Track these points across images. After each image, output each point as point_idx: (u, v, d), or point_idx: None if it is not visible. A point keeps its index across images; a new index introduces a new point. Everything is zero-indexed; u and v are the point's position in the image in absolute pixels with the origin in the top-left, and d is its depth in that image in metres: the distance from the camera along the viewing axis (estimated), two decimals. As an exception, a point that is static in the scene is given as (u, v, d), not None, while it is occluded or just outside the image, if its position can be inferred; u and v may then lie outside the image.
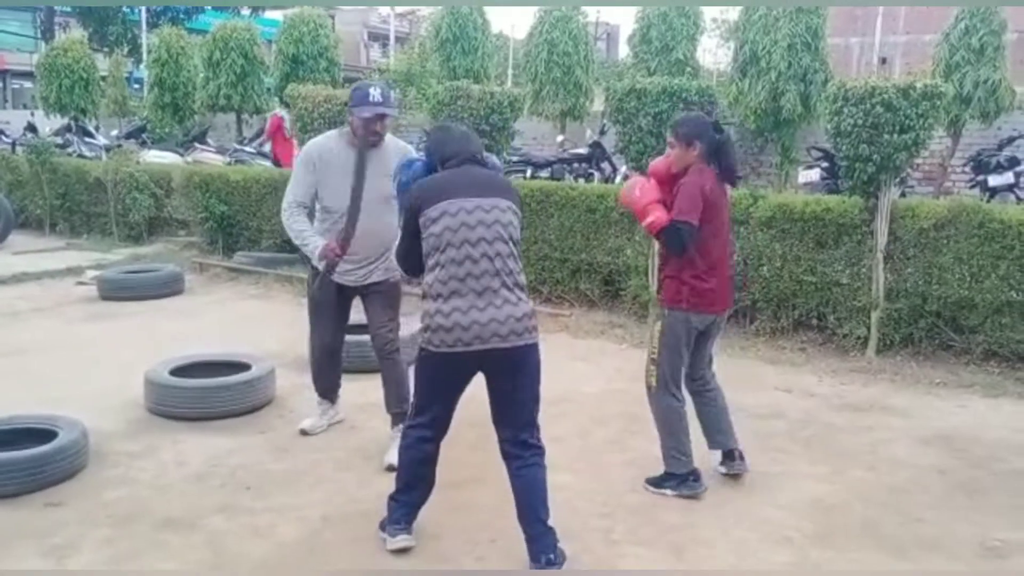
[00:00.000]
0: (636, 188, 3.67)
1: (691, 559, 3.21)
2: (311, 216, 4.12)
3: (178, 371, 4.75)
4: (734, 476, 3.85)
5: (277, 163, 11.63)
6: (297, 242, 4.05)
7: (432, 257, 2.96)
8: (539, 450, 3.09)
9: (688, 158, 3.62)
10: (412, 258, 3.08)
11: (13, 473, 3.58)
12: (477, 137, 3.30)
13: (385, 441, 4.08)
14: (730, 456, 3.87)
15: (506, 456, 3.09)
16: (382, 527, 3.24)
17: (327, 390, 4.41)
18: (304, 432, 4.28)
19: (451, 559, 3.17)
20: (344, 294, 4.15)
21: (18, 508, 3.50)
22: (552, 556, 2.98)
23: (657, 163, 3.80)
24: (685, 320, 3.63)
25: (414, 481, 3.18)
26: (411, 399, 3.26)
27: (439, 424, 3.15)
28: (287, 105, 12.75)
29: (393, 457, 3.69)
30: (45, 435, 3.85)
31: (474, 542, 3.29)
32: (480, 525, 3.42)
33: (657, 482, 3.76)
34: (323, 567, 3.12)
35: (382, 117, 3.86)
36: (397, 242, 3.18)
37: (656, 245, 6.62)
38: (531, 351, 3.00)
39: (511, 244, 2.99)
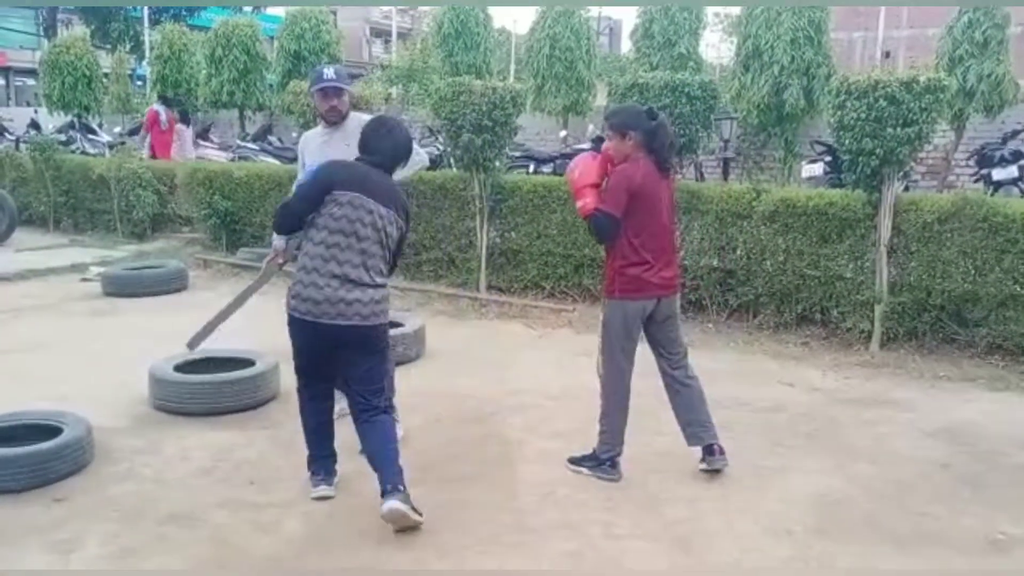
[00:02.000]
0: (577, 167, 3.72)
1: (694, 552, 3.22)
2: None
3: (182, 367, 4.76)
4: (715, 472, 3.80)
5: (154, 156, 12.06)
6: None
7: (315, 231, 3.35)
8: (382, 407, 3.48)
9: (625, 148, 3.64)
10: (293, 220, 3.49)
11: (19, 469, 3.60)
12: (406, 148, 3.64)
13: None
14: (709, 451, 3.81)
15: (352, 408, 3.52)
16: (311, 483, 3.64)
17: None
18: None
19: (451, 554, 3.17)
20: None
21: (24, 504, 3.51)
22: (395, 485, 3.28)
23: (583, 159, 3.86)
24: (621, 308, 3.69)
25: (318, 434, 3.65)
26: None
27: (315, 385, 3.56)
28: (164, 100, 12.99)
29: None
30: (50, 431, 3.86)
31: (476, 537, 3.29)
32: (480, 520, 3.42)
33: (578, 460, 3.87)
34: (328, 562, 3.13)
35: (338, 92, 4.12)
36: (288, 198, 3.64)
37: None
38: (362, 332, 3.36)
39: (384, 249, 3.40)
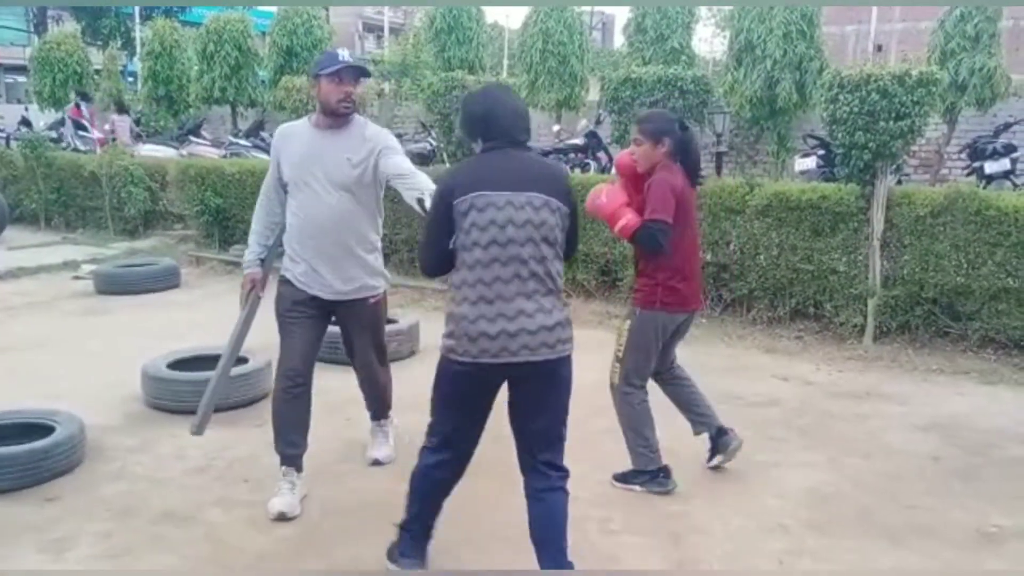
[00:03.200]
0: (602, 194, 3.56)
1: (688, 547, 3.23)
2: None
3: (175, 365, 4.75)
4: (732, 455, 3.83)
5: (77, 150, 12.50)
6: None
7: (460, 254, 2.62)
8: (562, 475, 2.78)
9: (655, 156, 3.54)
10: (436, 252, 2.69)
11: (11, 468, 3.58)
12: (527, 111, 2.82)
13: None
14: (722, 432, 3.83)
15: (525, 471, 2.81)
16: (391, 557, 2.96)
17: (292, 451, 3.54)
18: (283, 516, 3.38)
19: (450, 551, 3.17)
20: (321, 310, 3.55)
21: (16, 503, 3.50)
22: None
23: (624, 156, 3.72)
24: (657, 320, 3.58)
25: (427, 510, 2.89)
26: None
27: (457, 447, 2.81)
28: (83, 96, 13.10)
29: (378, 451, 3.91)
30: (43, 430, 3.84)
31: (472, 533, 3.29)
32: (479, 516, 3.42)
33: (624, 478, 3.71)
34: (321, 560, 3.13)
35: (356, 76, 3.38)
36: (422, 233, 2.80)
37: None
38: (558, 366, 2.67)
39: (544, 246, 2.63)
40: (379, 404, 3.97)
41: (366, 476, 3.71)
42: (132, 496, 3.60)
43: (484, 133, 2.70)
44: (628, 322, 3.64)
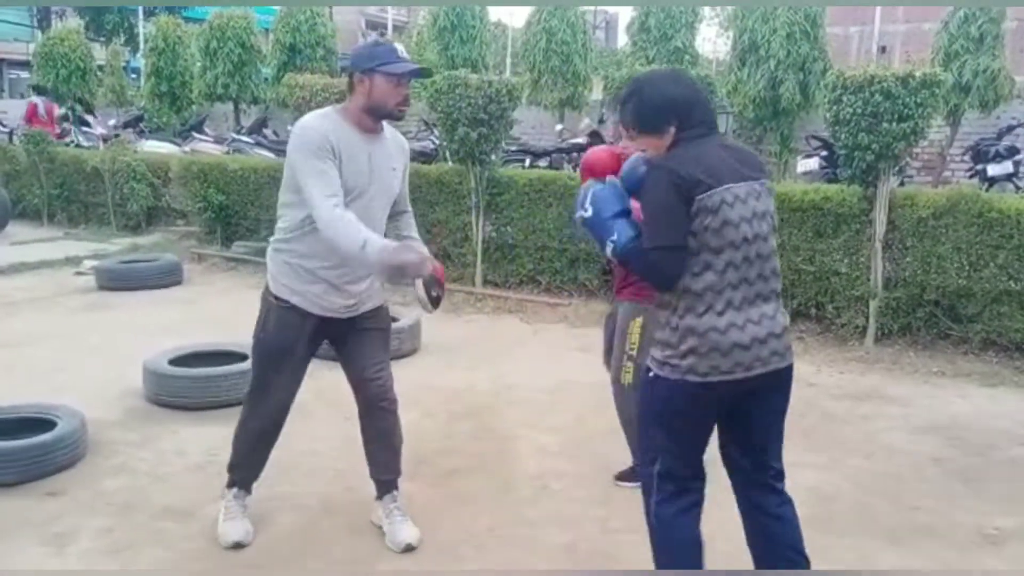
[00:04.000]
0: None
1: (689, 547, 3.22)
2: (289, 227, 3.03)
3: (177, 361, 4.75)
4: None
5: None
6: (356, 249, 2.72)
7: (700, 257, 2.28)
8: (785, 480, 2.58)
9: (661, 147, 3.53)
10: (677, 260, 2.29)
11: (13, 462, 3.59)
12: (707, 94, 2.55)
13: None
14: None
15: (751, 488, 2.54)
16: None
17: (250, 476, 3.31)
18: (239, 544, 3.15)
19: (448, 549, 3.18)
20: (320, 333, 3.09)
21: (18, 497, 3.51)
22: None
23: (596, 155, 3.60)
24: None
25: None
26: (651, 464, 2.48)
27: (701, 476, 2.48)
28: (40, 91, 13.16)
29: (409, 535, 3.15)
30: (44, 425, 3.85)
31: (472, 531, 3.30)
32: (478, 514, 3.43)
33: (630, 475, 3.63)
34: (321, 556, 3.13)
35: (416, 75, 2.99)
36: (623, 237, 2.36)
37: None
38: (792, 371, 2.47)
39: (774, 238, 2.39)
40: (393, 462, 3.28)
41: (365, 475, 3.70)
42: (133, 491, 3.60)
43: (685, 118, 2.35)
44: (638, 320, 3.57)
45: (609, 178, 2.50)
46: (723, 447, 2.55)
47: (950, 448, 4.22)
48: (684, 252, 2.29)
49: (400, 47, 2.94)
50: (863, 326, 5.87)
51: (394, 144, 3.08)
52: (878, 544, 3.27)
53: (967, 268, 5.53)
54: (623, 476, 3.73)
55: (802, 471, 3.90)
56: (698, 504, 2.47)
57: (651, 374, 2.41)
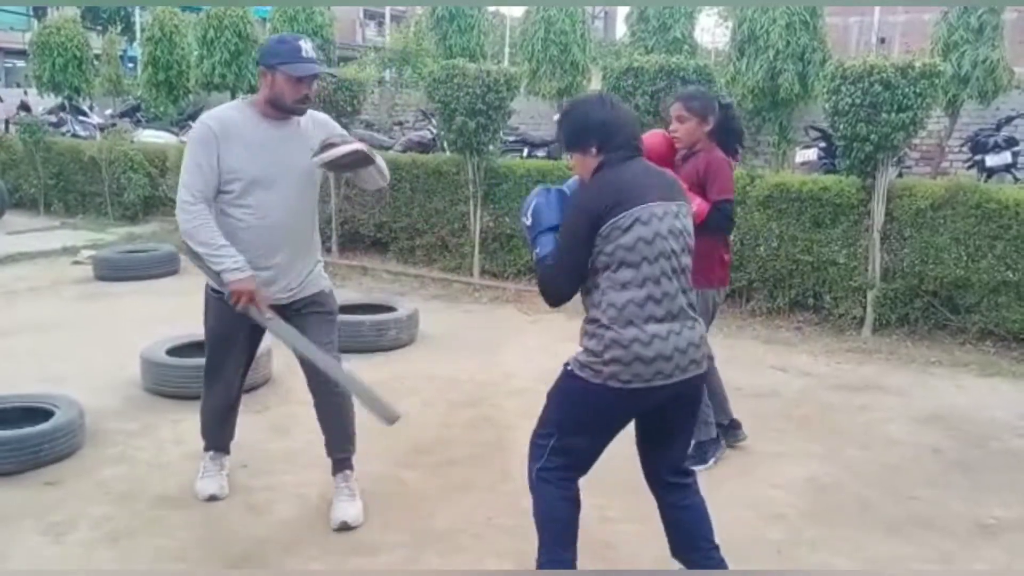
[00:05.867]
0: None
1: (686, 536, 3.23)
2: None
3: (175, 351, 4.74)
4: (736, 447, 3.95)
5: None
6: (203, 251, 3.01)
7: (619, 273, 2.42)
8: (694, 476, 2.79)
9: (699, 133, 3.56)
10: (575, 281, 2.49)
11: (11, 452, 3.59)
12: (637, 121, 2.70)
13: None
14: (730, 427, 3.94)
15: (663, 487, 2.72)
16: None
17: (224, 440, 3.50)
18: (214, 497, 3.38)
19: (447, 538, 3.18)
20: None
21: (16, 487, 3.51)
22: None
23: (654, 137, 3.60)
24: (713, 296, 3.66)
25: (569, 535, 2.62)
26: (546, 438, 2.61)
27: (578, 469, 2.64)
28: None
29: (345, 513, 3.22)
30: (42, 414, 3.85)
31: (470, 521, 3.30)
32: (476, 504, 3.43)
33: (697, 458, 3.60)
34: (320, 544, 3.13)
35: (315, 79, 3.12)
36: (544, 249, 2.53)
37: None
38: (705, 378, 2.65)
39: (683, 256, 2.52)
40: (345, 438, 3.36)
41: (362, 462, 3.71)
42: (131, 480, 3.60)
43: (606, 141, 2.50)
44: None
45: (569, 183, 2.66)
46: (640, 450, 2.72)
47: (948, 438, 4.23)
48: (577, 275, 2.48)
49: (305, 45, 3.04)
50: (861, 317, 5.87)
51: (311, 124, 3.16)
52: (875, 534, 3.28)
53: (965, 259, 5.53)
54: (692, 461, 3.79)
55: (799, 461, 3.92)
56: (573, 481, 2.63)
57: (569, 368, 2.55)
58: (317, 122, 3.20)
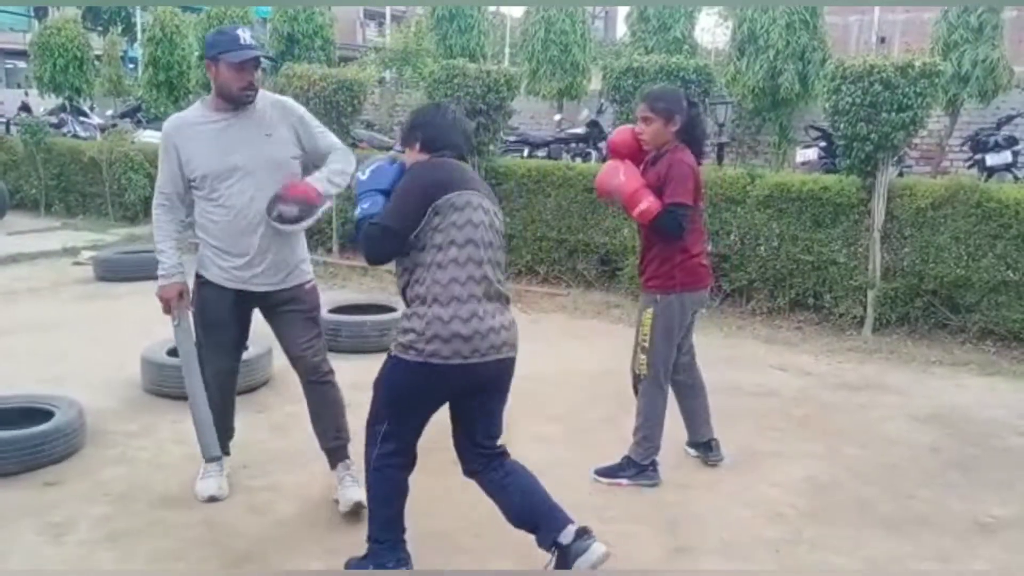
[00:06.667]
0: (620, 172, 3.45)
1: (685, 536, 3.23)
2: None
3: (175, 351, 4.73)
4: (713, 465, 3.83)
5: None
6: (156, 247, 3.29)
7: (429, 253, 2.61)
8: (502, 447, 2.90)
9: (666, 135, 3.45)
10: (394, 243, 2.65)
11: (11, 452, 3.59)
12: (471, 131, 2.99)
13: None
14: (708, 447, 3.84)
15: (480, 469, 2.85)
16: (350, 565, 2.89)
17: (223, 439, 3.51)
18: (213, 498, 3.39)
19: (446, 536, 3.18)
20: (245, 307, 3.35)
21: (16, 487, 3.51)
22: (566, 532, 2.77)
23: (622, 134, 3.58)
24: (680, 303, 3.54)
25: (398, 521, 2.85)
26: (379, 424, 2.77)
27: (411, 449, 2.80)
28: None
29: (355, 494, 3.26)
30: (43, 415, 3.85)
31: (470, 519, 3.30)
32: (476, 503, 3.42)
33: (610, 472, 3.65)
34: (321, 543, 3.14)
35: (257, 64, 3.19)
36: (368, 208, 2.71)
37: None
38: (513, 365, 2.78)
39: (500, 251, 2.76)
40: (337, 431, 3.42)
41: (362, 462, 3.72)
42: (132, 480, 3.61)
43: (430, 141, 2.77)
44: (649, 310, 3.55)
45: (399, 160, 2.87)
46: (455, 435, 2.85)
47: (947, 437, 4.23)
48: (398, 240, 2.63)
49: (243, 34, 3.16)
50: (861, 316, 5.87)
51: (268, 110, 3.24)
52: (875, 533, 3.28)
53: (965, 258, 5.53)
54: (604, 472, 3.69)
55: (799, 460, 3.92)
56: (409, 465, 2.82)
57: (392, 354, 2.67)
58: (277, 106, 3.28)
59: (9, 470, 3.58)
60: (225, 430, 3.52)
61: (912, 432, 4.30)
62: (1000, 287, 5.48)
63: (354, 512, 3.24)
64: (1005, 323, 5.49)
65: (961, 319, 5.66)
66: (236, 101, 3.16)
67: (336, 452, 3.41)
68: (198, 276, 3.33)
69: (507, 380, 2.80)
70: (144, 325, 5.71)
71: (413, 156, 2.81)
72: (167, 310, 3.29)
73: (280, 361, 4.90)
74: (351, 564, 2.89)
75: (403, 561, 2.84)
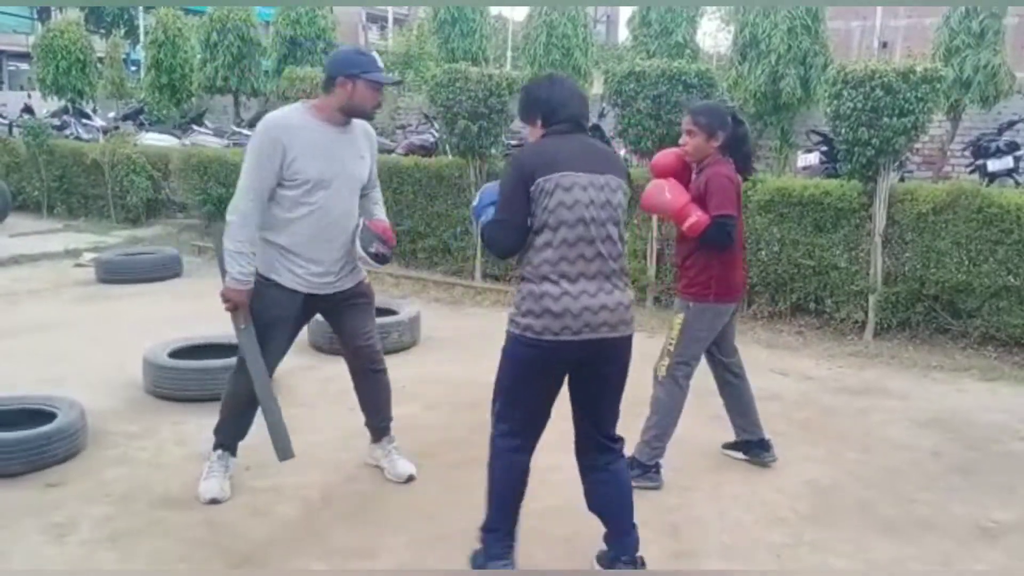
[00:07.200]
0: (665, 191, 3.53)
1: (686, 539, 3.24)
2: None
3: (177, 353, 4.75)
4: (766, 464, 3.87)
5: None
6: (230, 247, 3.22)
7: (541, 235, 2.65)
8: (622, 444, 2.91)
9: (708, 149, 3.54)
10: (515, 234, 2.68)
11: (13, 453, 3.59)
12: (586, 98, 2.90)
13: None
14: (762, 445, 3.88)
15: (586, 453, 2.88)
16: (475, 563, 2.89)
17: (235, 438, 3.58)
18: (215, 500, 3.42)
19: (449, 537, 3.18)
20: (309, 307, 3.46)
21: (18, 488, 3.51)
22: (632, 556, 2.85)
23: (665, 157, 3.70)
24: (714, 312, 3.60)
25: (513, 506, 2.84)
26: (495, 403, 2.83)
27: (533, 429, 2.81)
28: None
29: (405, 467, 3.62)
30: (44, 416, 3.86)
31: (473, 522, 3.29)
32: (477, 505, 3.42)
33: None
34: (322, 545, 3.14)
35: (396, 84, 3.54)
36: (488, 217, 2.78)
37: (655, 232, 6.63)
38: (630, 343, 2.77)
39: (619, 227, 2.74)
40: (386, 411, 3.71)
41: (366, 466, 3.72)
42: (133, 481, 3.61)
43: (549, 116, 2.77)
44: (680, 315, 3.62)
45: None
46: (574, 418, 2.87)
47: (949, 442, 4.23)
48: (517, 229, 2.69)
49: (378, 56, 3.35)
50: (862, 320, 5.88)
51: (362, 134, 3.44)
52: (876, 536, 3.28)
53: (967, 263, 5.53)
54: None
55: (801, 464, 3.92)
56: (526, 449, 2.81)
57: (508, 332, 2.74)
58: (366, 133, 3.48)
59: (12, 471, 3.58)
60: (241, 424, 3.55)
61: (913, 436, 4.30)
62: (1001, 292, 5.48)
63: (360, 507, 3.28)
64: (1006, 328, 5.49)
65: (962, 324, 5.66)
66: (364, 117, 3.38)
67: (382, 429, 3.68)
68: (263, 278, 3.32)
69: (622, 359, 2.77)
70: (145, 327, 5.73)
71: (536, 132, 2.82)
72: (232, 310, 3.31)
73: (282, 363, 4.93)
74: (475, 562, 2.90)
75: (507, 558, 2.84)
